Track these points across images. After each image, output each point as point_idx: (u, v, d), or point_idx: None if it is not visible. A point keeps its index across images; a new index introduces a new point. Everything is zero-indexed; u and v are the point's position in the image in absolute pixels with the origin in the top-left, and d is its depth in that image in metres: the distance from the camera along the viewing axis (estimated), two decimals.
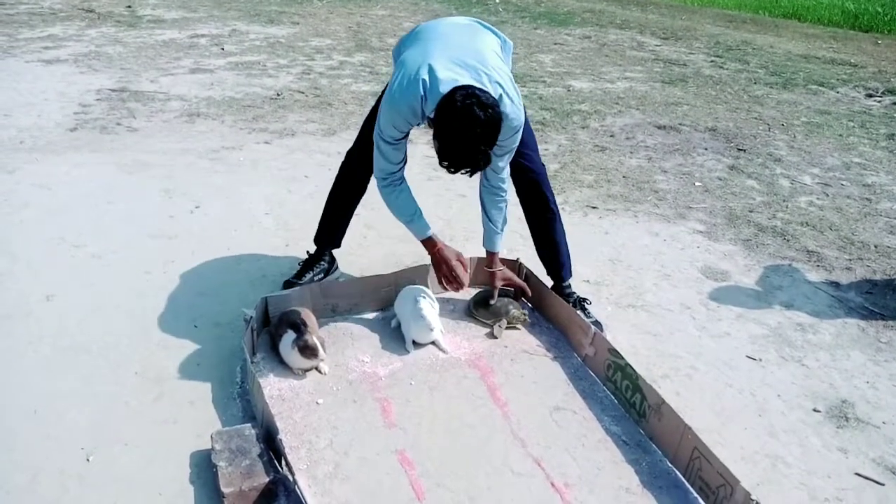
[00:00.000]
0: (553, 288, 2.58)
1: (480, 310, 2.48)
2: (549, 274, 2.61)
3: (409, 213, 2.27)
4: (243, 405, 2.03)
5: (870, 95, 6.18)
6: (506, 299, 2.50)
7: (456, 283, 2.36)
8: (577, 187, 3.77)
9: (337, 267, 2.74)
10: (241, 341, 2.15)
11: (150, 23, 7.76)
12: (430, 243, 2.33)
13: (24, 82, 5.28)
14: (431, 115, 1.97)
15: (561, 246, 2.53)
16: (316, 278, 2.62)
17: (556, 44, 7.71)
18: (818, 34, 9.43)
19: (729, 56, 7.49)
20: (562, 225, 2.53)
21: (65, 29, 7.22)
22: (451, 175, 2.08)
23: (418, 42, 2.10)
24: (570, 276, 2.59)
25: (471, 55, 2.01)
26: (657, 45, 7.91)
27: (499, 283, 2.49)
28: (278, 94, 5.20)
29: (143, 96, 5.04)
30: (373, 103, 4.91)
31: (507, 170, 2.28)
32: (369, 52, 6.82)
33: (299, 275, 2.63)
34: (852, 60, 7.59)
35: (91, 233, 2.99)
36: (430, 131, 2.04)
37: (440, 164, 1.97)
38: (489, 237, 2.44)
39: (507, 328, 2.42)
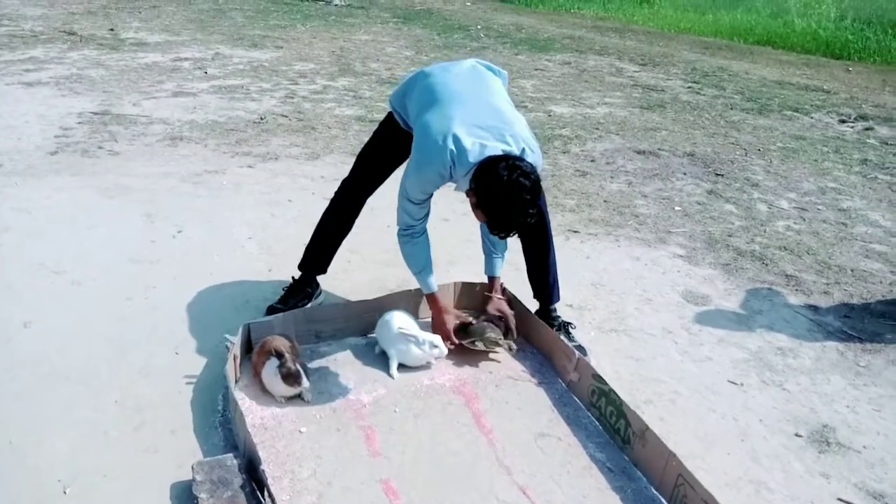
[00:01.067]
0: (539, 311, 2.59)
1: (458, 333, 2.45)
2: (536, 297, 2.62)
3: (419, 266, 2.34)
4: (225, 434, 2.00)
5: (843, 121, 6.31)
6: (485, 323, 2.47)
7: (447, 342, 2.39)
8: (559, 212, 3.80)
9: (321, 292, 2.73)
10: (224, 369, 2.13)
11: (132, 46, 7.75)
12: (432, 300, 2.40)
13: (4, 105, 5.25)
14: (458, 179, 2.08)
15: (552, 270, 2.56)
16: (300, 304, 2.61)
17: (536, 69, 7.80)
18: (791, 61, 9.64)
19: (705, 82, 7.63)
20: (554, 249, 2.56)
21: (46, 51, 7.19)
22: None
23: (435, 104, 2.13)
24: (558, 300, 2.60)
25: (489, 114, 2.09)
26: (635, 71, 8.04)
27: (491, 309, 2.49)
28: (261, 118, 5.20)
29: (125, 119, 5.02)
30: (356, 128, 5.01)
31: None
32: (353, 76, 6.86)
33: (283, 300, 2.62)
34: (825, 87, 7.77)
35: (71, 258, 2.96)
36: None
37: (492, 233, 2.07)
38: (489, 262, 2.51)
39: (480, 349, 2.40)
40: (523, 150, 2.06)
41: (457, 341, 2.39)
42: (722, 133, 5.58)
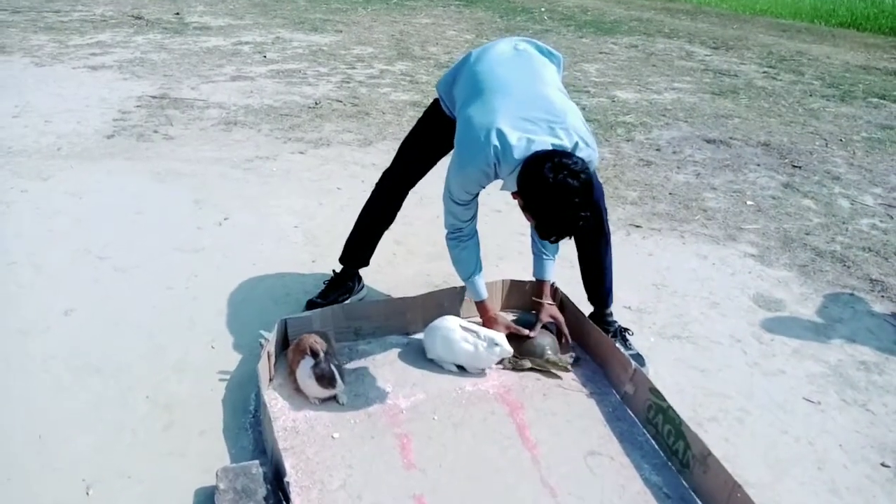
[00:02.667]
0: (593, 315, 2.40)
1: (512, 342, 2.25)
2: (590, 300, 2.42)
3: (468, 271, 2.19)
4: (255, 437, 1.91)
5: None
6: (547, 339, 2.26)
7: None
8: (619, 204, 3.58)
9: (363, 286, 2.62)
10: (256, 367, 2.03)
11: (195, 30, 7.81)
12: (482, 308, 2.26)
13: (69, 88, 5.33)
14: (505, 178, 1.91)
15: (608, 271, 2.35)
16: (340, 299, 2.49)
17: (601, 53, 7.50)
18: (879, 44, 9.02)
19: (782, 67, 7.18)
20: (611, 248, 2.35)
21: (113, 36, 7.31)
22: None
23: (479, 95, 1.95)
24: (612, 303, 2.41)
25: (537, 105, 1.90)
26: (707, 55, 7.64)
27: (545, 318, 2.30)
28: (316, 103, 5.13)
29: (183, 103, 5.02)
30: (410, 114, 4.87)
31: None
32: (410, 60, 6.72)
33: (324, 294, 2.51)
34: None
35: (116, 244, 2.92)
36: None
37: (541, 237, 1.91)
38: (539, 264, 2.32)
39: (531, 369, 2.22)
40: (576, 144, 1.86)
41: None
42: (800, 121, 5.21)
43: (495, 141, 1.84)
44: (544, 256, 2.29)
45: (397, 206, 2.43)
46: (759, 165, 4.23)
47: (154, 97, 5.13)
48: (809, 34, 9.52)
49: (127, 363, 2.19)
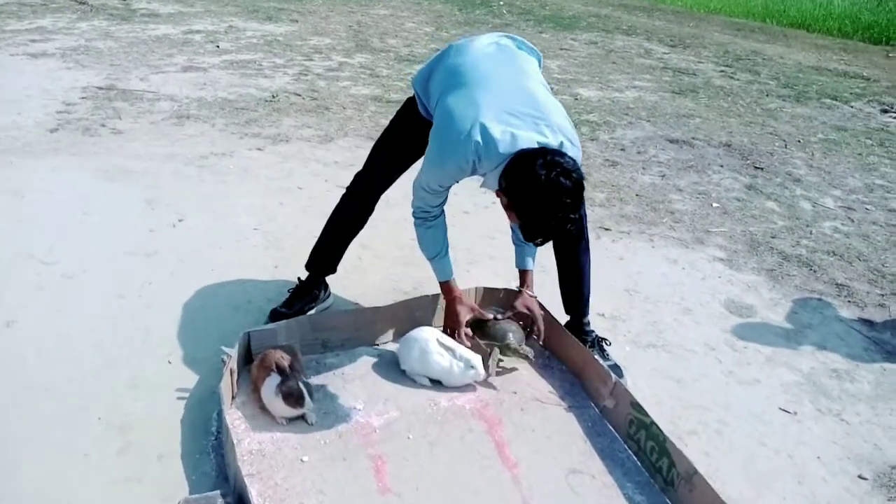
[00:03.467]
0: (569, 324, 2.33)
1: (476, 327, 2.20)
2: (566, 308, 2.35)
3: (434, 250, 2.10)
4: (217, 461, 1.78)
5: (885, 111, 5.98)
6: (512, 326, 2.20)
7: (455, 337, 2.16)
8: (588, 206, 3.51)
9: (329, 294, 2.50)
10: (218, 386, 1.90)
11: (143, 17, 7.50)
12: (447, 288, 2.15)
13: (7, 77, 5.03)
14: (486, 174, 1.83)
15: (587, 278, 2.28)
16: (306, 308, 2.38)
17: (562, 49, 7.48)
18: (828, 45, 9.23)
19: (739, 66, 7.28)
20: (590, 257, 2.28)
21: (55, 21, 6.96)
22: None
23: (460, 88, 1.86)
24: (589, 311, 2.35)
25: (522, 100, 1.81)
26: (665, 53, 7.69)
27: (519, 306, 2.22)
28: (273, 97, 4.95)
29: (131, 95, 4.78)
30: (371, 108, 4.74)
31: None
32: (370, 53, 6.57)
33: (288, 304, 2.39)
34: (865, 73, 7.40)
35: (63, 248, 2.74)
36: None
37: (525, 239, 1.81)
38: (521, 254, 2.24)
39: (500, 364, 2.14)
40: (562, 143, 1.78)
41: (467, 338, 2.14)
42: (759, 122, 5.27)
43: (477, 136, 1.75)
44: (525, 245, 2.20)
45: (369, 211, 2.32)
46: (722, 167, 4.25)
47: (100, 88, 4.88)
48: (762, 33, 9.69)
49: (76, 380, 2.04)
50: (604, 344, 2.31)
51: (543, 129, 1.78)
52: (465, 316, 2.16)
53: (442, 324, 2.31)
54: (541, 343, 2.26)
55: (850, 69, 7.59)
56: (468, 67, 1.90)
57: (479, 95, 1.81)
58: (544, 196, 1.67)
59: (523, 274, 2.27)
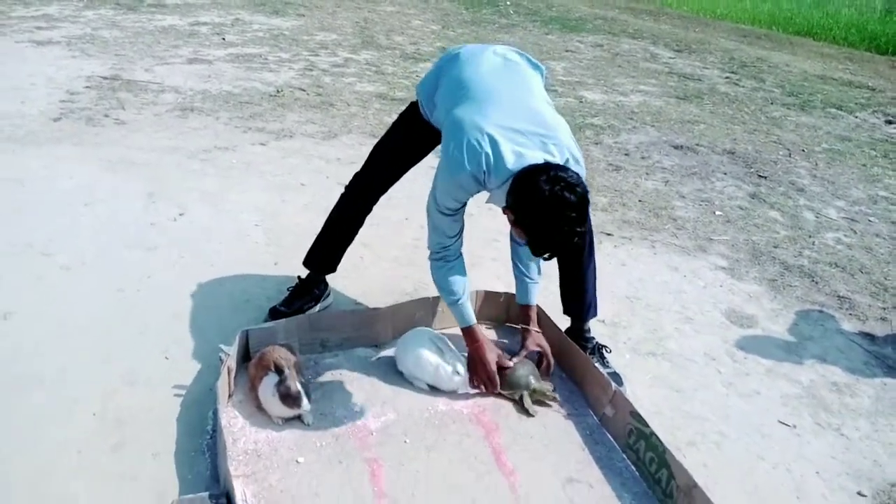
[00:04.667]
0: (570, 329, 2.32)
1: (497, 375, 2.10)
2: (567, 312, 2.33)
3: (455, 295, 2.03)
4: (212, 460, 1.77)
5: (890, 122, 5.96)
6: (527, 368, 2.10)
7: (488, 388, 2.09)
8: (590, 210, 3.51)
9: (330, 294, 2.49)
10: (215, 385, 1.89)
11: (150, 6, 7.48)
12: (470, 334, 2.09)
13: (12, 64, 5.02)
14: (493, 190, 1.82)
15: (591, 283, 2.26)
16: (306, 307, 2.36)
17: (567, 51, 7.46)
18: (833, 54, 9.21)
19: (744, 73, 7.26)
20: (595, 259, 2.25)
21: (61, 9, 6.95)
22: None
23: (469, 101, 1.85)
24: (594, 316, 2.33)
25: (529, 118, 1.81)
26: (671, 58, 7.68)
27: (531, 346, 2.18)
28: (278, 91, 4.93)
29: (136, 86, 4.77)
30: (376, 106, 4.72)
31: None
32: (376, 49, 6.56)
33: (287, 302, 2.37)
34: (870, 84, 7.38)
35: (62, 240, 2.72)
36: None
37: (533, 254, 1.77)
38: (522, 288, 2.20)
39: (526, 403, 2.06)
40: (567, 161, 1.79)
41: (498, 387, 2.08)
42: (763, 130, 5.25)
43: (487, 148, 1.75)
44: (528, 280, 2.18)
45: (367, 212, 2.31)
46: (725, 174, 4.23)
47: (105, 78, 4.87)
48: (768, 40, 9.67)
49: (72, 373, 2.02)
50: (604, 351, 2.30)
51: (551, 147, 1.79)
52: (492, 359, 2.08)
53: (441, 326, 2.31)
54: (550, 372, 2.21)
55: (855, 79, 7.57)
56: (476, 83, 1.89)
57: (487, 110, 1.81)
58: (549, 210, 1.66)
59: (526, 309, 2.22)
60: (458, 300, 2.04)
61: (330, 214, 2.35)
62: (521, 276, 2.19)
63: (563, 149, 1.79)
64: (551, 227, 1.68)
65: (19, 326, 2.21)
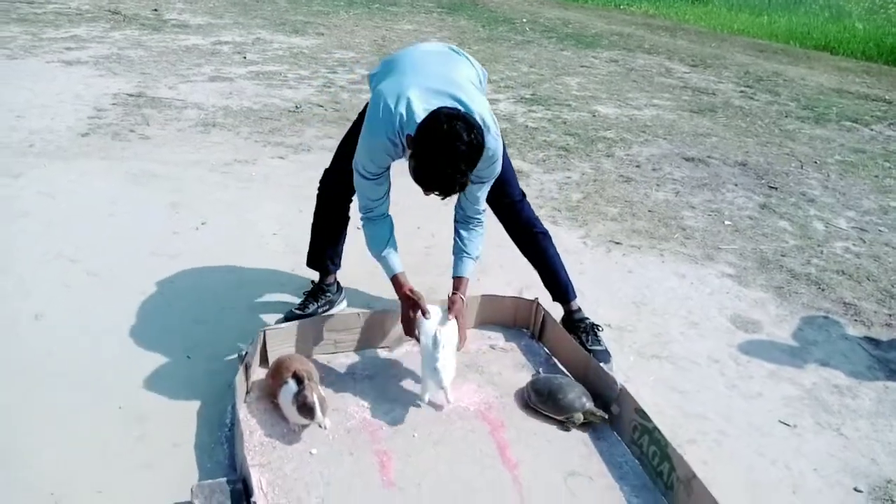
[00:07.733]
0: (564, 317, 2.47)
1: (548, 404, 2.08)
2: (554, 299, 2.50)
3: (379, 247, 2.16)
4: (231, 451, 1.87)
5: None
6: (577, 390, 2.09)
7: (406, 331, 2.20)
8: (600, 220, 3.59)
9: (344, 297, 2.59)
10: (234, 380, 1.99)
11: (174, 27, 7.71)
12: (396, 282, 2.19)
13: (42, 82, 5.22)
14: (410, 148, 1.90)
15: (557, 263, 2.46)
16: (320, 310, 2.46)
17: (582, 66, 7.55)
18: (851, 67, 9.21)
19: (759, 87, 7.30)
20: (553, 244, 2.44)
21: (89, 30, 7.18)
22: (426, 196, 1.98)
23: (393, 72, 2.03)
24: (575, 296, 2.49)
25: (447, 85, 1.95)
26: (686, 73, 7.74)
27: (454, 313, 2.18)
28: (297, 107, 5.08)
29: (160, 103, 4.94)
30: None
31: (484, 201, 2.21)
32: None
33: (303, 306, 2.47)
34: (887, 97, 7.37)
35: (90, 247, 2.86)
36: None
37: (417, 182, 1.87)
38: (459, 262, 2.25)
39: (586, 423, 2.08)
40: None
41: (412, 335, 2.15)
42: (776, 142, 5.29)
43: (402, 109, 1.88)
44: (465, 255, 2.23)
45: (345, 203, 2.41)
46: (736, 185, 4.29)
47: (131, 95, 5.05)
48: (785, 55, 9.69)
49: (98, 371, 2.14)
50: (597, 329, 2.43)
51: (462, 109, 1.88)
52: (409, 305, 2.15)
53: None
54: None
55: (871, 92, 7.57)
56: (405, 59, 2.08)
57: (407, 77, 1.97)
58: (440, 139, 1.76)
59: (457, 280, 2.24)
60: (380, 252, 2.15)
61: (314, 215, 2.49)
62: (460, 252, 2.23)
63: (477, 115, 1.88)
64: (436, 156, 1.77)
65: (51, 327, 2.34)
